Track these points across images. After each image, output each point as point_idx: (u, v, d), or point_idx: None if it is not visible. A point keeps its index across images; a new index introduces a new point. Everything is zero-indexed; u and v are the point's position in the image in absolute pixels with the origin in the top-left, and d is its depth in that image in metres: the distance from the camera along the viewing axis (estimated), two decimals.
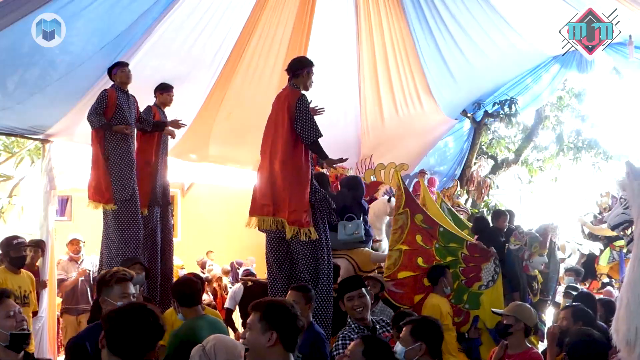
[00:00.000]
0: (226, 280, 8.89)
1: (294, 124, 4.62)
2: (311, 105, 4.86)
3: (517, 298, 5.48)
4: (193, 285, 3.41)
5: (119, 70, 5.58)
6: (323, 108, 5.31)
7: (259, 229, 4.79)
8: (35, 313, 5.43)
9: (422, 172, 9.17)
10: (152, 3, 5.99)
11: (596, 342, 2.99)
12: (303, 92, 4.79)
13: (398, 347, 2.78)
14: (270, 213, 4.66)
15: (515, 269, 5.77)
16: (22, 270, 5.09)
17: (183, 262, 8.42)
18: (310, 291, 3.61)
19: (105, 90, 5.54)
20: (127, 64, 5.71)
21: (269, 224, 4.67)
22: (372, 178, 8.59)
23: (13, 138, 8.18)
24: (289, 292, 3.68)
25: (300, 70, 4.77)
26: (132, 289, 2.93)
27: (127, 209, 5.43)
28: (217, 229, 9.97)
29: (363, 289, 3.50)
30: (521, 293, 5.76)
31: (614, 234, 7.94)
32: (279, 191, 4.67)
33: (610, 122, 12.26)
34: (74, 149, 7.29)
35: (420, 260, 5.21)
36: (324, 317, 4.60)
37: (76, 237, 6.88)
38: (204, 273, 8.47)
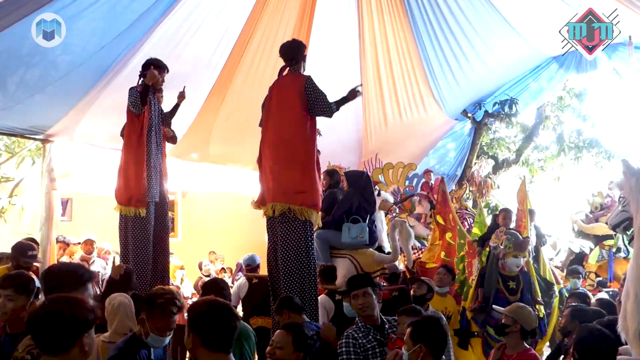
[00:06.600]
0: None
1: (306, 107, 4.57)
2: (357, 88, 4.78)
3: (480, 294, 5.49)
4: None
5: (158, 72, 5.28)
6: (360, 85, 5.08)
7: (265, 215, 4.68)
8: None
9: (427, 172, 9.14)
10: (152, 3, 6.00)
11: (606, 336, 2.86)
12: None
13: (403, 350, 2.73)
14: (268, 200, 4.58)
15: (487, 267, 5.60)
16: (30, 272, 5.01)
17: (183, 263, 8.40)
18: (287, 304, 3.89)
19: (132, 88, 5.22)
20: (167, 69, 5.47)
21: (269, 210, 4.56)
22: (380, 177, 8.60)
23: (14, 138, 8.19)
24: None
25: (301, 56, 4.77)
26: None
27: (147, 212, 5.26)
28: (217, 229, 9.96)
29: (369, 288, 3.49)
30: (485, 290, 5.50)
31: (604, 232, 8.02)
32: (279, 173, 4.55)
33: (611, 121, 12.25)
34: (77, 152, 7.30)
35: (442, 254, 6.19)
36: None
37: (90, 237, 6.88)
38: (202, 274, 8.45)
